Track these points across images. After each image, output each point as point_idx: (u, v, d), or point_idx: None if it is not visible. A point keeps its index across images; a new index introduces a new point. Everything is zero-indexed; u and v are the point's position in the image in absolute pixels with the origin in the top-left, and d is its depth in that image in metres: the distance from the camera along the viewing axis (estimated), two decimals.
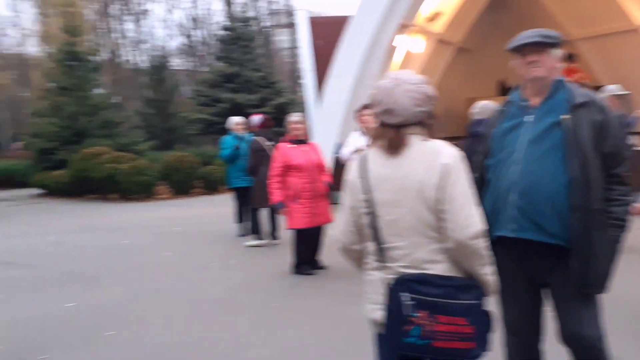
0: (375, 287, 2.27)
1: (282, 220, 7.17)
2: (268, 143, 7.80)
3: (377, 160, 2.27)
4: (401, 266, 2.20)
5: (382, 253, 2.24)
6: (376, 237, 2.25)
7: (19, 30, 39.05)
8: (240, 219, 9.07)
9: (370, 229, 2.26)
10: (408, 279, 2.15)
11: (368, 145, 2.54)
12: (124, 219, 12.46)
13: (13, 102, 46.46)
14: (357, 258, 2.42)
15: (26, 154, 29.16)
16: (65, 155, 18.23)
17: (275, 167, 6.41)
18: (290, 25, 34.83)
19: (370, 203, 2.25)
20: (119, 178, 15.82)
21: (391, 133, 2.23)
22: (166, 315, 5.27)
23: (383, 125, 2.27)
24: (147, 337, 4.69)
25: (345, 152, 6.61)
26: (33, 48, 38.43)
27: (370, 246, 2.30)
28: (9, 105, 45.11)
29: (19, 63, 40.72)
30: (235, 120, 9.11)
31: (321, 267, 6.60)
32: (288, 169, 6.34)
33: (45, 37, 33.41)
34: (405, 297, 2.12)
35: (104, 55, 35.42)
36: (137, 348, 4.45)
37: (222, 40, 26.90)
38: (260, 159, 7.72)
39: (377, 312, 2.25)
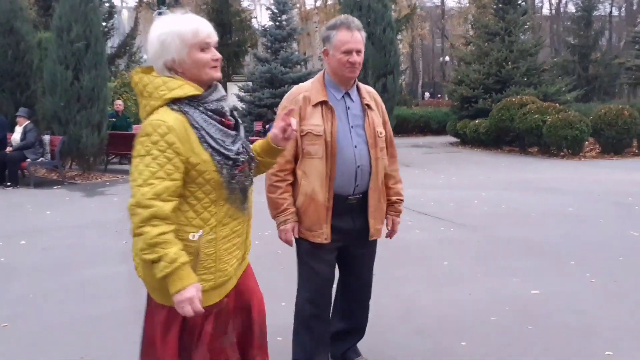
0: None
1: None
2: None
3: None
4: None
5: None
6: None
7: None
8: None
9: None
10: None
11: None
12: (554, 177, 10.92)
13: (427, 52, 49.02)
14: None
15: (440, 102, 30.01)
16: (485, 104, 17.48)
17: None
18: None
19: None
20: (544, 130, 14.25)
21: None
22: None
23: None
24: None
25: None
26: None
27: None
28: (424, 55, 47.76)
29: (436, 14, 42.35)
30: None
31: None
32: None
33: None
34: None
35: None
36: None
37: None
38: None
39: None
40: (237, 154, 2.03)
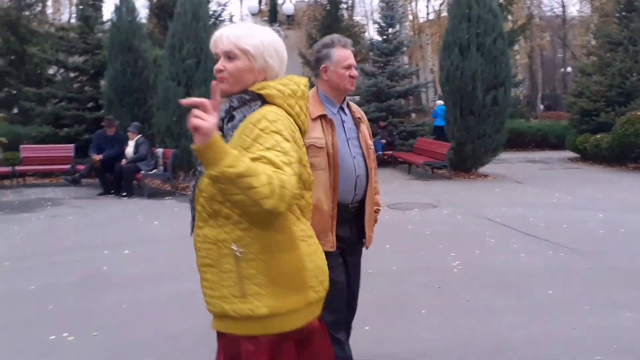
0: None
1: None
2: None
3: None
4: None
5: None
6: None
7: None
8: None
9: None
10: None
11: None
12: None
13: (548, 63, 46.70)
14: None
15: (560, 115, 28.40)
16: (608, 118, 16.25)
17: None
18: None
19: None
20: None
21: None
22: None
23: None
24: None
25: None
26: (574, 7, 37.08)
27: None
28: (544, 66, 45.57)
29: (557, 24, 40.40)
30: None
31: None
32: None
33: None
34: None
35: None
36: None
37: None
38: None
39: None
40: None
